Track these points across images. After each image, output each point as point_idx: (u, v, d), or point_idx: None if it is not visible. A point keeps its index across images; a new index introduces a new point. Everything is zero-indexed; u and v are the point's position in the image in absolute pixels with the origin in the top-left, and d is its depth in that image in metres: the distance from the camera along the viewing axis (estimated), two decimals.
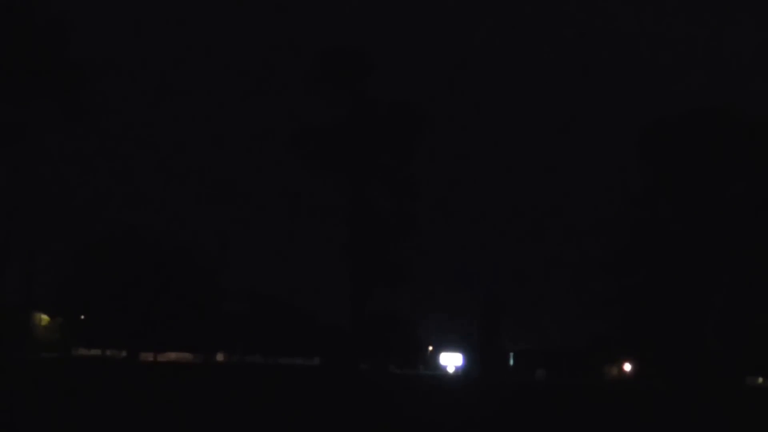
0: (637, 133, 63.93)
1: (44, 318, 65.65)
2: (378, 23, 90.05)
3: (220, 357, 69.64)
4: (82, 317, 64.58)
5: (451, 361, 76.37)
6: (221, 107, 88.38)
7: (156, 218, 67.73)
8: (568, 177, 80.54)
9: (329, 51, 62.57)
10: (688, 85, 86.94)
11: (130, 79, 77.63)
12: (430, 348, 77.14)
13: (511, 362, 75.25)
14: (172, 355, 66.95)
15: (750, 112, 61.88)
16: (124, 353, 64.14)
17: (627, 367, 70.65)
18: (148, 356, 64.69)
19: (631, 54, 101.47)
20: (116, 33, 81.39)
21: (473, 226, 77.44)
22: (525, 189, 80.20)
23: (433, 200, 65.83)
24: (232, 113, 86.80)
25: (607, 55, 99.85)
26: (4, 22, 54.56)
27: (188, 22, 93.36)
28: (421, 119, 62.57)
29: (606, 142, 77.37)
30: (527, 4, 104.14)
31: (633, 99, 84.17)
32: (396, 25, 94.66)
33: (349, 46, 63.11)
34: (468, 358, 74.89)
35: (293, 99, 66.88)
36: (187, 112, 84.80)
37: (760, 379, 68.46)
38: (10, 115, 55.37)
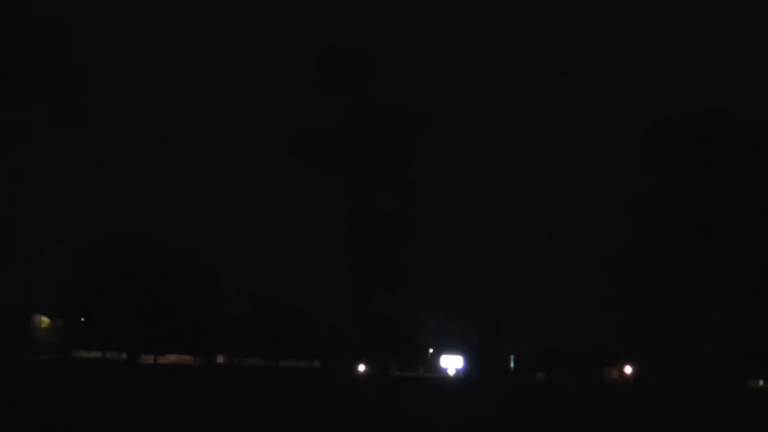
0: (638, 135, 63.92)
1: (44, 320, 65.57)
2: (378, 25, 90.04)
3: (220, 359, 69.57)
4: (83, 319, 64.52)
5: (452, 363, 76.36)
6: (221, 109, 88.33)
7: (156, 220, 67.72)
8: (568, 179, 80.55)
9: (330, 53, 62.58)
10: (689, 87, 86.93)
11: (130, 80, 77.56)
12: (431, 350, 77.12)
13: (512, 365, 75.23)
14: (173, 358, 66.88)
15: (751, 114, 61.85)
16: (124, 355, 64.09)
17: (627, 369, 70.60)
18: (148, 358, 64.65)
19: (631, 56, 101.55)
20: (116, 34, 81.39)
21: (473, 228, 77.44)
22: (525, 190, 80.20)
23: (434, 202, 65.80)
24: (232, 115, 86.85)
25: (607, 57, 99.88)
26: (3, 23, 54.54)
27: (188, 23, 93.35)
28: (421, 121, 62.58)
29: (607, 144, 77.37)
30: (528, 7, 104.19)
31: (634, 100, 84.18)
32: (396, 27, 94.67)
33: (350, 48, 63.13)
34: (468, 361, 74.86)
35: (293, 101, 66.84)
36: (187, 113, 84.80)
37: (761, 382, 68.37)
38: (10, 117, 55.35)
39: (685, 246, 60.90)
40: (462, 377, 72.37)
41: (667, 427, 27.68)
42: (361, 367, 66.36)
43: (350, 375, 58.86)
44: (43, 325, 65.57)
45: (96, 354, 65.74)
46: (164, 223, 67.20)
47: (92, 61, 58.14)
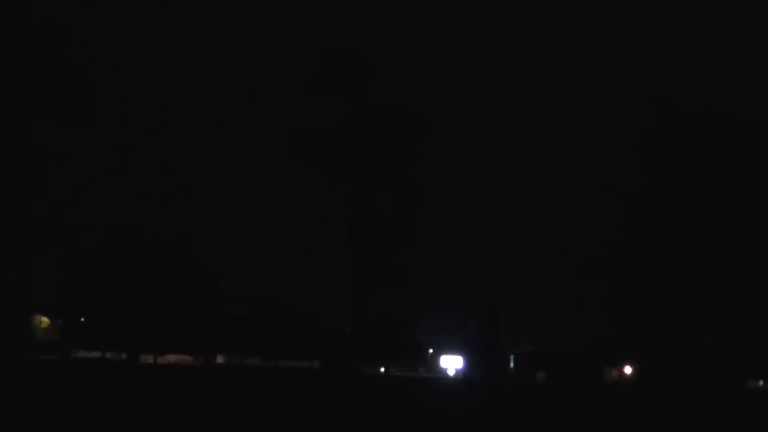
0: (637, 135, 63.92)
1: (44, 320, 65.51)
2: (378, 25, 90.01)
3: (220, 359, 69.53)
4: (83, 319, 64.47)
5: (452, 363, 76.30)
6: (221, 109, 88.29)
7: (156, 220, 67.69)
8: (568, 179, 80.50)
9: (330, 53, 62.58)
10: (688, 87, 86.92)
11: (130, 80, 77.52)
12: (431, 351, 77.10)
13: (512, 365, 75.21)
14: (173, 358, 66.80)
15: (750, 114, 61.85)
16: (124, 355, 64.06)
17: (627, 369, 70.61)
18: (148, 359, 64.61)
19: (630, 56, 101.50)
20: (116, 34, 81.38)
21: (473, 228, 77.42)
22: (525, 191, 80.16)
23: (434, 202, 65.77)
24: (231, 115, 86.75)
25: (606, 57, 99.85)
26: (4, 24, 54.55)
27: (188, 23, 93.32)
28: (421, 121, 62.58)
29: (606, 144, 77.32)
30: (528, 7, 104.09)
31: (633, 101, 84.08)
32: (396, 27, 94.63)
33: (350, 48, 63.11)
34: (468, 361, 74.81)
35: (294, 101, 66.79)
36: (187, 113, 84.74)
37: (761, 382, 68.37)
38: (10, 118, 55.35)
39: (685, 246, 60.90)
40: (462, 377, 72.35)
41: (667, 427, 27.69)
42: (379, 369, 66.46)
43: (350, 375, 58.81)
44: (43, 325, 65.55)
45: (96, 354, 65.70)
46: (164, 223, 67.22)
47: (92, 62, 58.20)
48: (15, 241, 56.75)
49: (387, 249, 61.48)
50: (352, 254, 61.42)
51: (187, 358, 67.10)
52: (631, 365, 69.59)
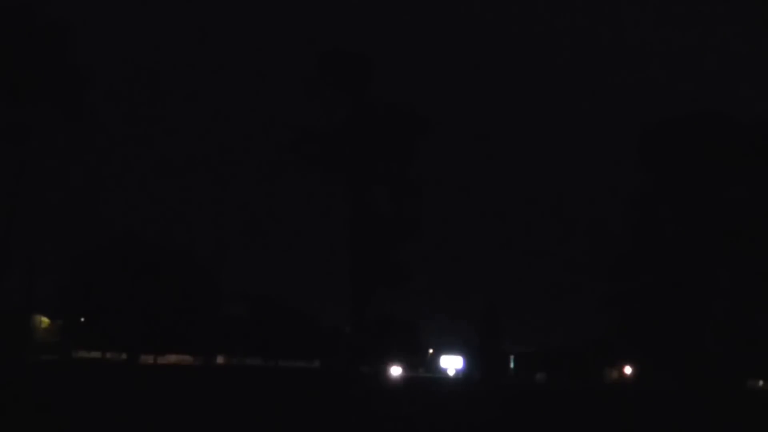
0: (638, 136, 63.96)
1: (44, 320, 65.57)
2: (378, 25, 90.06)
3: (220, 360, 69.56)
4: (83, 320, 64.52)
5: (452, 364, 76.30)
6: (221, 109, 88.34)
7: (155, 220, 67.77)
8: (568, 179, 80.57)
9: (330, 53, 62.60)
10: (689, 87, 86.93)
11: (130, 80, 77.61)
12: (431, 351, 77.10)
13: (512, 365, 75.21)
14: (173, 358, 66.85)
15: (750, 114, 61.93)
16: (124, 356, 64.09)
17: (627, 369, 70.60)
18: (148, 359, 64.63)
19: (631, 56, 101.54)
20: (117, 34, 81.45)
21: (473, 228, 77.46)
22: (525, 191, 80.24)
23: (434, 202, 65.82)
24: (231, 115, 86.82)
25: (607, 58, 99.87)
26: (5, 24, 54.57)
27: (188, 23, 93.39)
28: (421, 121, 62.60)
29: (606, 145, 77.40)
30: (528, 7, 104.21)
31: (634, 101, 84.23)
32: (396, 27, 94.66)
33: (350, 49, 63.15)
34: (469, 361, 74.82)
35: (293, 101, 66.87)
36: (187, 114, 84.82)
37: (761, 382, 68.36)
38: (11, 117, 55.38)
39: (685, 246, 60.91)
40: (462, 377, 72.35)
41: (667, 427, 27.68)
42: (396, 370, 66.32)
43: (350, 375, 58.81)
44: (43, 326, 65.58)
45: (96, 354, 65.72)
46: (164, 223, 67.25)
47: (93, 62, 58.25)
48: (16, 241, 56.79)
49: (387, 249, 61.50)
50: (352, 254, 61.43)
51: (187, 358, 67.13)
52: (631, 365, 69.59)
